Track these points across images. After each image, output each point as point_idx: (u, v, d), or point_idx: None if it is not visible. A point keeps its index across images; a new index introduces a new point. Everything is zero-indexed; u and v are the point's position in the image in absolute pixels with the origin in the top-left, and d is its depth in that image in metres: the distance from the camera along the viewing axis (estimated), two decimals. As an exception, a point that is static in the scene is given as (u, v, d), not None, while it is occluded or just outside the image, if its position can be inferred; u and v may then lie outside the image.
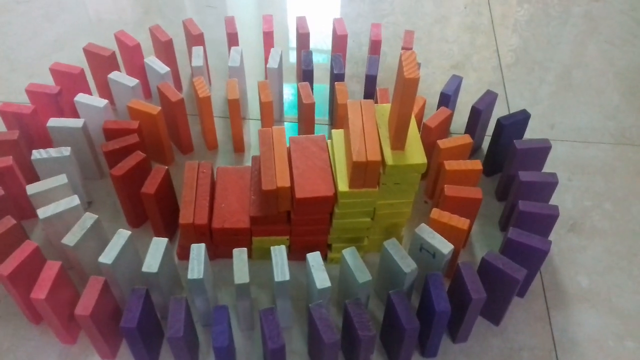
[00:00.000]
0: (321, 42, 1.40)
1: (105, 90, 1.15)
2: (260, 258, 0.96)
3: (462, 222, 0.86)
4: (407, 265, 0.81)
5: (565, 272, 0.98)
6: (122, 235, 0.84)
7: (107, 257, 0.81)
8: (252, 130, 1.19)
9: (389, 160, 0.83)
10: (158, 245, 0.83)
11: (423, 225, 0.86)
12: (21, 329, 0.89)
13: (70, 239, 0.83)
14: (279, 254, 0.83)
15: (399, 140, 0.83)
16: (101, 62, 1.11)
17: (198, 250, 0.83)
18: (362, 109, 0.88)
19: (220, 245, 0.95)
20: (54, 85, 1.05)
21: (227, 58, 1.14)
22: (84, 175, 1.05)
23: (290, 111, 1.23)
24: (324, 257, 0.97)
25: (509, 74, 1.35)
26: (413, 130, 0.86)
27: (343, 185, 0.86)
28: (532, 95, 1.30)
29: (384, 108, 0.89)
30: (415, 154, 0.84)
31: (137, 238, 0.91)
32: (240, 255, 0.83)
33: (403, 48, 1.15)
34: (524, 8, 1.55)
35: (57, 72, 1.08)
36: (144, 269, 0.81)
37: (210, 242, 0.94)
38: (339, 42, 1.20)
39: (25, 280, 0.82)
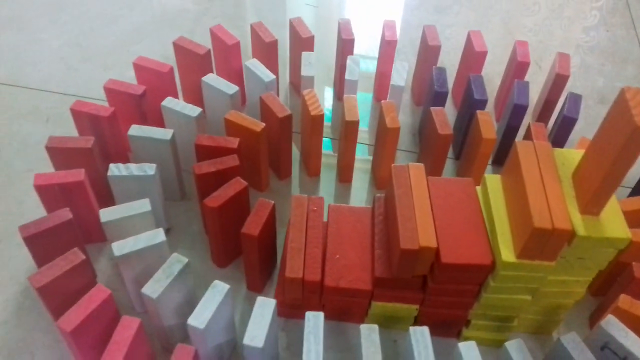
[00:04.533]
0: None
1: (192, 95, 0.97)
2: (374, 322, 0.76)
3: (663, 318, 0.65)
4: (594, 371, 0.61)
5: None
6: (218, 290, 0.65)
7: (199, 319, 0.62)
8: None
9: (580, 230, 0.62)
10: (264, 310, 0.64)
11: (611, 317, 0.65)
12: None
13: (153, 288, 0.64)
14: (422, 339, 0.63)
15: (597, 204, 0.62)
16: (193, 60, 0.93)
17: (315, 322, 0.64)
18: (537, 154, 0.68)
19: (328, 305, 0.75)
20: (138, 85, 0.87)
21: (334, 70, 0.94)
22: (164, 195, 0.86)
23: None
24: (457, 334, 0.77)
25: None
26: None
27: (508, 254, 0.65)
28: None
29: (567, 155, 0.69)
30: (615, 223, 0.63)
31: (222, 280, 0.71)
32: (370, 334, 0.63)
33: (557, 74, 0.94)
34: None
35: (142, 68, 0.90)
36: (247, 341, 0.61)
37: (318, 300, 0.74)
38: (475, 59, 0.99)
39: (91, 337, 0.64)
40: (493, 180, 0.73)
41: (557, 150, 0.70)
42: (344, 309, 0.76)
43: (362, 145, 1.00)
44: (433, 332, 0.66)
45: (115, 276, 0.80)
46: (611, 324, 0.65)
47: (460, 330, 0.76)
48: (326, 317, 0.75)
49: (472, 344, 0.62)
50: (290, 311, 0.76)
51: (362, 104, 1.04)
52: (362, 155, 0.99)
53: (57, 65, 1.11)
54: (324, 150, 0.94)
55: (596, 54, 1.25)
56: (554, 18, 1.33)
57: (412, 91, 1.10)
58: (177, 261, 0.67)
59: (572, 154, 0.69)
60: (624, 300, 0.67)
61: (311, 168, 0.93)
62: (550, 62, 0.97)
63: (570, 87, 1.06)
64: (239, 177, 0.76)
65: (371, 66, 1.14)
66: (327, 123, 1.04)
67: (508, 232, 0.67)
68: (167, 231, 0.86)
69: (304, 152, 0.95)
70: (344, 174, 0.94)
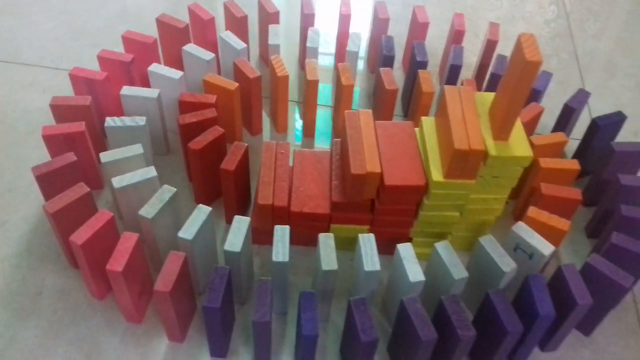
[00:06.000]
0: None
1: (174, 64, 1.10)
2: (337, 248, 0.91)
3: (562, 223, 0.81)
4: (506, 264, 0.76)
5: (657, 285, 0.92)
6: (202, 211, 0.79)
7: (188, 232, 0.76)
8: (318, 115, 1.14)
9: (492, 151, 0.78)
10: (240, 224, 0.78)
11: (521, 223, 0.81)
12: (83, 304, 0.84)
13: (148, 211, 0.78)
14: (368, 242, 0.77)
15: (504, 130, 0.78)
16: (173, 34, 1.07)
17: (282, 233, 0.78)
18: (461, 96, 0.83)
19: (294, 231, 0.90)
20: (127, 54, 1.01)
21: (299, 41, 1.09)
22: (152, 149, 1.00)
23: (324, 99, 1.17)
24: (403, 252, 0.92)
25: (588, 80, 1.29)
26: (517, 122, 0.81)
27: (437, 175, 0.81)
28: (613, 100, 1.24)
29: (484, 97, 0.84)
30: (520, 145, 0.79)
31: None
32: (327, 240, 0.78)
33: (489, 40, 1.10)
34: (604, 10, 1.50)
35: (130, 41, 1.04)
36: (227, 247, 0.76)
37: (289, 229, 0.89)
38: (419, 29, 1.15)
39: (97, 251, 0.77)
40: (428, 121, 0.88)
41: (478, 93, 0.85)
42: (309, 234, 0.90)
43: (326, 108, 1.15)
44: (382, 251, 0.80)
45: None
46: (520, 228, 0.80)
47: (406, 248, 0.91)
48: (294, 242, 0.90)
49: (408, 245, 0.77)
50: (263, 237, 0.90)
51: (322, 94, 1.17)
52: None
53: (51, 44, 1.24)
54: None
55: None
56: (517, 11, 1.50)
57: (368, 61, 1.25)
58: (167, 190, 0.81)
59: (489, 96, 0.84)
60: (532, 210, 0.82)
61: (279, 125, 1.08)
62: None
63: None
64: (217, 126, 0.90)
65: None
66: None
67: (438, 160, 0.83)
68: (156, 179, 1.00)
69: (272, 112, 1.09)
70: (308, 129, 1.08)
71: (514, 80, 0.73)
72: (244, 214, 0.95)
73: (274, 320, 0.82)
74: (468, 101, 0.82)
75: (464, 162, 0.78)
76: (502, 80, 0.78)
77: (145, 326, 0.82)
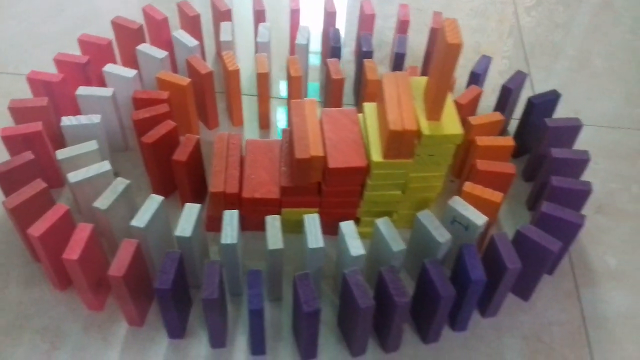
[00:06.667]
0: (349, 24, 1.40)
1: (131, 64, 1.14)
2: (288, 231, 0.95)
3: (495, 195, 0.86)
4: (442, 235, 0.81)
5: (592, 251, 0.97)
6: (155, 200, 0.83)
7: (140, 220, 0.80)
8: (277, 108, 1.18)
9: (426, 130, 0.82)
10: (191, 211, 0.83)
11: (456, 197, 0.86)
12: (47, 295, 0.88)
13: (102, 202, 0.82)
14: (313, 222, 0.82)
15: (436, 110, 0.83)
16: (128, 35, 1.11)
17: (231, 216, 0.82)
18: (397, 82, 0.88)
19: (248, 217, 0.94)
20: (83, 56, 1.05)
21: (254, 37, 1.13)
22: (110, 146, 1.04)
23: (312, 94, 1.22)
24: (352, 231, 0.97)
25: (533, 61, 1.35)
26: (449, 102, 0.86)
27: (377, 156, 0.85)
28: (557, 81, 1.30)
29: (420, 81, 0.89)
30: (452, 124, 0.84)
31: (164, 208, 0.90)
32: (273, 222, 0.82)
33: (432, 28, 1.15)
34: (545, -2, 1.56)
35: (85, 43, 1.08)
36: (178, 232, 0.80)
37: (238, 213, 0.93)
38: (367, 21, 1.19)
39: (55, 243, 0.81)
40: (370, 107, 0.93)
41: (414, 77, 0.90)
42: (261, 220, 0.94)
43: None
44: (332, 232, 0.85)
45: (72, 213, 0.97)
46: (456, 202, 0.85)
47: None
48: (249, 228, 0.95)
49: (350, 222, 0.82)
50: (218, 225, 0.94)
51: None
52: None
53: (12, 51, 1.28)
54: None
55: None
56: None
57: (322, 52, 1.30)
58: (121, 182, 0.85)
59: (424, 80, 0.89)
60: (467, 185, 0.87)
61: (235, 118, 1.12)
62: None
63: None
64: (169, 120, 0.94)
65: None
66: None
67: (378, 142, 0.87)
68: (115, 175, 1.03)
69: (227, 106, 1.13)
70: (264, 121, 1.13)
71: (439, 63, 0.78)
72: (199, 203, 0.99)
73: (228, 301, 0.87)
74: (404, 86, 0.87)
75: (400, 142, 0.83)
76: (431, 67, 0.83)
77: (106, 313, 0.86)
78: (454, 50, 0.74)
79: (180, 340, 0.83)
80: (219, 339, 0.81)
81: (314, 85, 1.23)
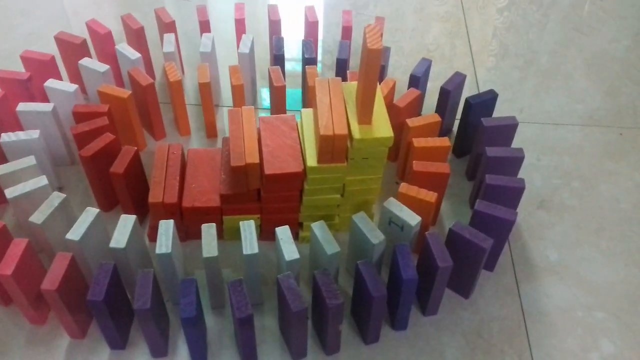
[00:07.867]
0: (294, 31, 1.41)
1: (76, 78, 1.15)
2: (232, 238, 0.96)
3: (430, 195, 0.87)
4: (375, 237, 0.82)
5: (534, 246, 0.99)
6: (90, 212, 0.83)
7: (75, 233, 0.81)
8: (224, 117, 1.19)
9: (356, 134, 0.84)
10: (126, 222, 0.83)
11: (391, 199, 0.87)
12: (-10, 312, 0.88)
13: (37, 217, 0.83)
14: (248, 228, 0.83)
15: (365, 114, 0.84)
16: (72, 49, 1.11)
17: (166, 226, 0.83)
18: (330, 87, 0.89)
19: (191, 226, 0.95)
20: (24, 72, 1.05)
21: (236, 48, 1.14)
22: (55, 161, 1.04)
23: (293, 101, 1.23)
24: (295, 237, 0.97)
25: (479, 61, 1.37)
26: (380, 106, 0.87)
27: (312, 161, 0.86)
28: (503, 80, 1.32)
29: (352, 85, 0.90)
30: (382, 128, 0.85)
31: (109, 221, 0.90)
32: (208, 230, 0.83)
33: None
34: None
35: (28, 60, 1.08)
36: (112, 244, 0.80)
37: (181, 222, 0.94)
38: (311, 28, 1.21)
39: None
40: (306, 113, 0.94)
41: (346, 82, 0.91)
42: (205, 228, 0.95)
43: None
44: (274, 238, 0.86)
45: (15, 229, 0.97)
46: (391, 203, 0.87)
47: (298, 233, 0.97)
48: (190, 238, 0.95)
49: (285, 227, 0.83)
50: (162, 234, 0.95)
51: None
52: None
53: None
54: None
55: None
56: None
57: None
58: (57, 197, 0.86)
59: (356, 85, 0.91)
60: (402, 186, 0.89)
61: (181, 128, 1.13)
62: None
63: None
64: (108, 132, 0.95)
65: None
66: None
67: (313, 148, 0.88)
68: (60, 189, 1.04)
69: (174, 116, 1.14)
70: (210, 130, 1.13)
71: (364, 68, 0.79)
72: (144, 216, 1.00)
73: (170, 310, 0.87)
74: (336, 91, 0.89)
75: (332, 147, 0.84)
76: (359, 72, 0.84)
77: (49, 327, 0.86)
78: (375, 55, 0.76)
79: (121, 351, 0.84)
80: (158, 349, 0.82)
81: (297, 92, 1.25)
